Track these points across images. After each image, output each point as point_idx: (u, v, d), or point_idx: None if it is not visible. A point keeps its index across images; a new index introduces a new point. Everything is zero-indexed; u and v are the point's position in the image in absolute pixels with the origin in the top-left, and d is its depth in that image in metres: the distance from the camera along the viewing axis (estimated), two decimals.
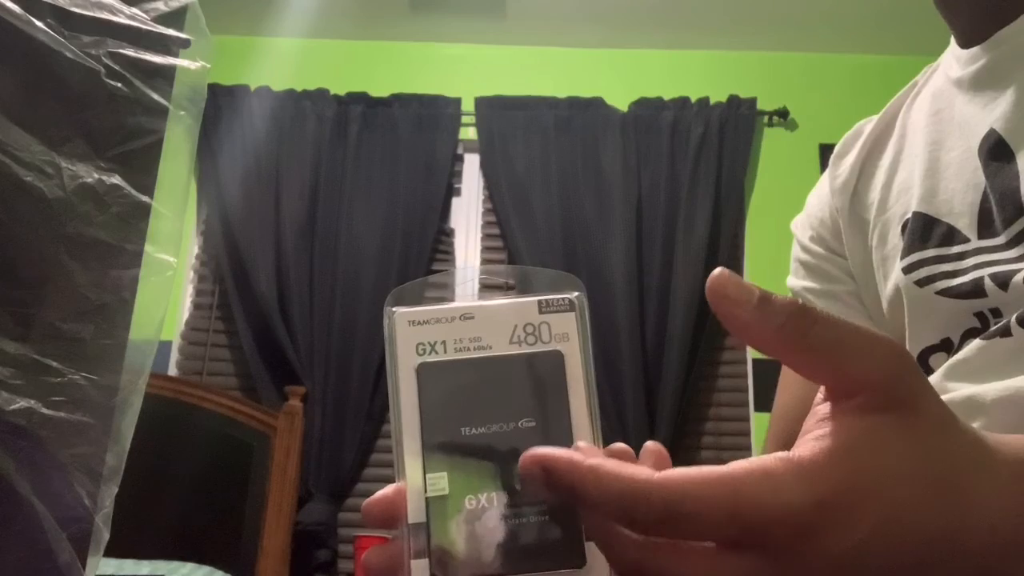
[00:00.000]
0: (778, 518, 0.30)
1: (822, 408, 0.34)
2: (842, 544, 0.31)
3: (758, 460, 0.32)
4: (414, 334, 0.41)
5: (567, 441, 0.39)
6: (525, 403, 0.39)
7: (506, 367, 0.40)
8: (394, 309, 0.41)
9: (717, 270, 0.34)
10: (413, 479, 0.38)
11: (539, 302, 0.41)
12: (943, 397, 0.58)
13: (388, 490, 0.39)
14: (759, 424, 2.90)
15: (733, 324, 0.34)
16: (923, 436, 0.33)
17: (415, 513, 0.37)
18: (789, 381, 0.77)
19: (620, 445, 0.39)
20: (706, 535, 0.32)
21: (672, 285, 2.89)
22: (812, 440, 0.33)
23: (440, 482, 0.38)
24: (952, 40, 0.70)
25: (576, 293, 0.42)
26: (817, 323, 0.33)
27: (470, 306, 0.41)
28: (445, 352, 0.40)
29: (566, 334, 0.41)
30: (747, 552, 0.31)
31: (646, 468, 0.32)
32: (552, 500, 0.37)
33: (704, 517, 0.31)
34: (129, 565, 2.06)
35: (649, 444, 0.40)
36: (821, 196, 0.79)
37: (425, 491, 0.38)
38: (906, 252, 0.65)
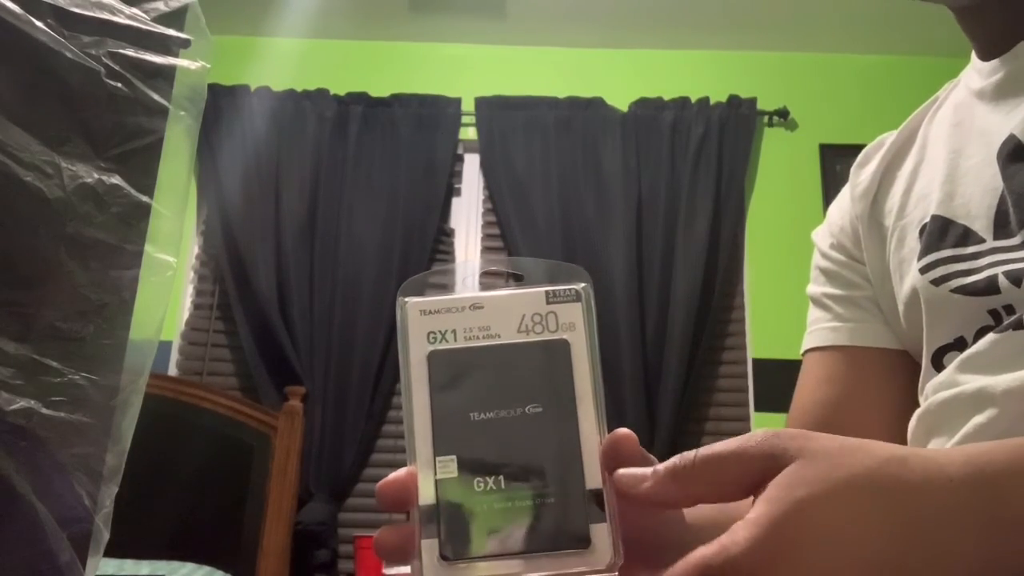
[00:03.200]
0: (735, 565, 0.34)
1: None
2: (797, 570, 0.34)
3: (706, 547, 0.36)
4: (426, 323, 0.42)
5: (572, 426, 0.40)
6: (532, 390, 0.41)
7: (514, 355, 0.41)
8: (406, 299, 0.43)
9: (620, 473, 0.39)
10: (424, 462, 0.39)
11: (547, 292, 0.43)
12: (954, 390, 0.60)
13: (401, 473, 0.40)
14: (759, 424, 2.90)
15: (644, 499, 0.39)
16: (832, 463, 0.36)
17: (426, 495, 0.39)
18: (807, 382, 0.78)
19: (623, 430, 0.40)
20: None
21: (672, 285, 2.89)
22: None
23: (450, 465, 0.39)
24: (973, 55, 0.71)
25: (583, 284, 0.43)
26: (696, 453, 0.38)
27: (480, 296, 0.43)
28: (455, 340, 0.42)
29: (573, 324, 0.42)
30: None
31: None
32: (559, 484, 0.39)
33: None
34: (129, 565, 2.06)
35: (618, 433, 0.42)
36: (842, 205, 0.81)
37: (435, 474, 0.39)
38: (923, 253, 0.66)
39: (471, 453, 0.39)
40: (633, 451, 0.40)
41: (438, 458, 0.39)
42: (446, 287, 0.44)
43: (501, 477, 0.39)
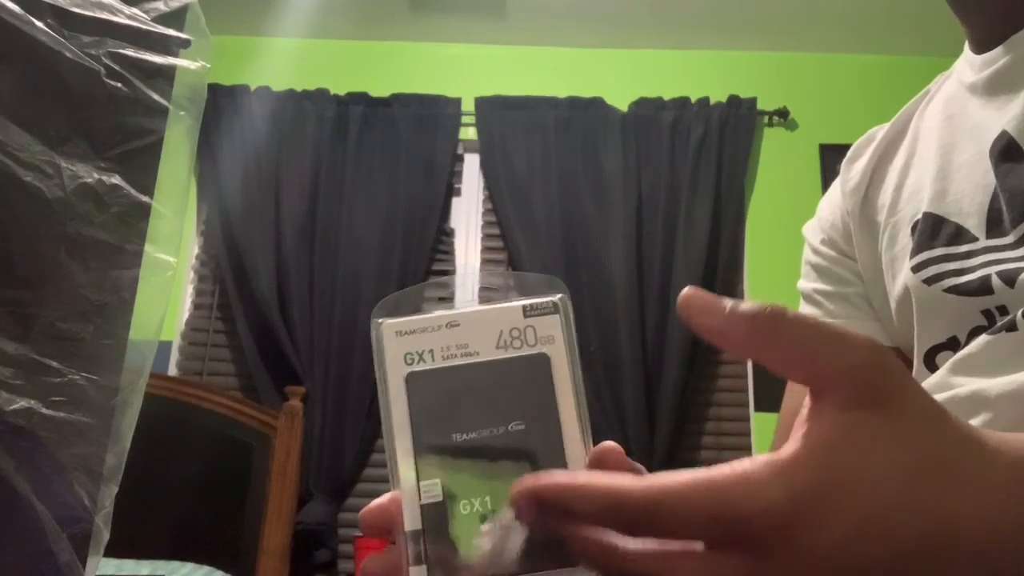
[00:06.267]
0: (756, 516, 0.31)
1: (804, 410, 0.35)
2: (824, 539, 0.31)
3: (739, 463, 0.32)
4: (402, 344, 0.41)
5: (556, 441, 0.39)
6: (514, 406, 0.40)
7: (493, 372, 0.41)
8: (381, 320, 0.42)
9: (686, 288, 0.36)
10: (407, 487, 0.39)
11: (523, 307, 0.42)
12: (948, 392, 0.59)
13: (384, 499, 0.39)
14: (759, 424, 2.90)
15: (708, 332, 0.35)
16: (907, 431, 0.33)
17: (411, 520, 0.38)
18: None
19: (609, 443, 0.39)
20: (689, 535, 0.32)
21: (672, 285, 2.89)
22: (792, 441, 0.33)
23: (434, 489, 0.38)
24: (966, 47, 0.70)
25: (559, 295, 0.42)
26: (787, 320, 0.34)
27: (456, 313, 0.42)
28: (433, 360, 0.41)
29: (551, 336, 0.41)
30: (733, 552, 0.32)
31: (628, 476, 0.33)
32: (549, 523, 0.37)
33: (684, 517, 0.32)
34: (129, 565, 2.06)
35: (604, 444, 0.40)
36: (832, 201, 0.80)
37: (419, 499, 0.38)
38: (915, 251, 0.66)
39: (455, 476, 0.39)
40: (619, 463, 0.39)
41: (422, 483, 0.38)
42: (423, 306, 0.43)
43: (487, 498, 0.38)
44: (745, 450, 2.87)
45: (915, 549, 0.32)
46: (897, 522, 0.31)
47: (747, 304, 0.34)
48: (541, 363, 0.41)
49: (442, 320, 0.41)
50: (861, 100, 3.14)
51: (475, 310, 0.42)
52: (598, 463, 0.39)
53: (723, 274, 2.96)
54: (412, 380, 0.40)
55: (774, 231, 3.06)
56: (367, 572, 0.39)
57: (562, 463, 0.39)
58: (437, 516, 0.38)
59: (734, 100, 3.14)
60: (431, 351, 0.41)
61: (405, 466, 0.39)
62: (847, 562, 0.31)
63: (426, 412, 0.40)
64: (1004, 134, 0.61)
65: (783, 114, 3.18)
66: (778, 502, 0.31)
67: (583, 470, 0.37)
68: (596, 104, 3.14)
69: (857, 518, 0.31)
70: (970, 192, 0.63)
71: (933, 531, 0.32)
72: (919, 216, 0.67)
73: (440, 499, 0.38)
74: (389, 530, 0.39)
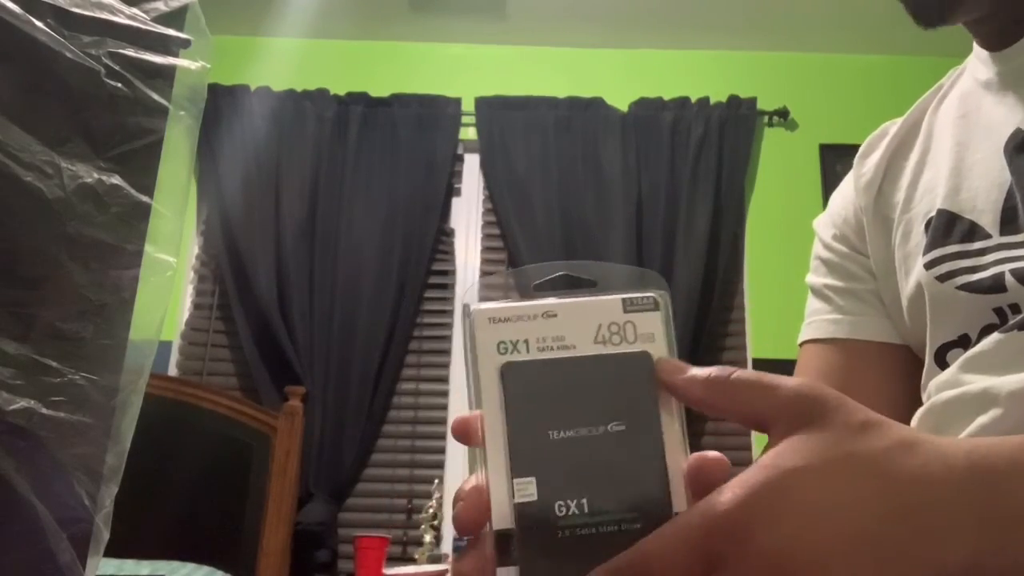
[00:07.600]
0: (715, 529, 0.34)
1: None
2: (778, 534, 0.34)
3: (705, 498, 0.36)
4: (495, 332, 0.39)
5: (657, 447, 0.38)
6: (614, 406, 0.38)
7: (594, 368, 0.39)
8: (473, 306, 0.39)
9: (658, 358, 0.40)
10: (498, 484, 0.36)
11: (623, 300, 0.40)
12: (958, 390, 0.60)
13: (473, 493, 0.37)
14: None
15: (673, 389, 0.40)
16: (843, 437, 0.36)
17: (501, 519, 0.36)
18: (805, 374, 0.77)
19: (714, 454, 0.39)
20: (676, 569, 0.34)
21: (672, 285, 2.89)
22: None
23: (528, 487, 0.36)
24: (975, 44, 0.70)
25: (660, 291, 0.41)
26: (731, 379, 0.39)
27: (553, 303, 0.40)
28: (528, 351, 0.39)
29: (651, 334, 0.40)
30: (716, 574, 0.34)
31: None
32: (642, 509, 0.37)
33: (666, 559, 0.34)
34: (129, 565, 2.06)
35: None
36: (845, 195, 0.79)
37: (512, 497, 0.36)
38: (928, 248, 0.66)
39: (551, 474, 0.36)
40: (721, 472, 0.38)
41: (515, 479, 0.36)
42: (509, 293, 0.41)
43: (584, 501, 0.36)
44: (745, 450, 2.87)
45: (863, 533, 0.34)
46: (844, 511, 0.34)
47: (701, 370, 0.40)
48: (643, 362, 0.39)
49: (539, 309, 0.39)
50: (861, 100, 3.14)
51: (573, 301, 0.40)
52: (698, 471, 0.38)
53: (723, 274, 2.96)
54: (508, 371, 0.38)
55: (774, 231, 3.06)
56: (458, 572, 0.38)
57: (663, 470, 0.37)
58: (531, 517, 0.36)
59: (734, 100, 3.14)
60: (526, 341, 0.39)
61: (497, 461, 0.37)
62: (806, 552, 0.33)
63: (522, 406, 0.37)
64: (1020, 131, 0.61)
65: (783, 114, 3.18)
66: (731, 510, 0.34)
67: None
68: (596, 104, 3.14)
69: (806, 508, 0.34)
70: (985, 189, 0.63)
71: (878, 513, 0.34)
72: (933, 213, 0.67)
73: (534, 498, 0.36)
74: (480, 526, 0.37)
